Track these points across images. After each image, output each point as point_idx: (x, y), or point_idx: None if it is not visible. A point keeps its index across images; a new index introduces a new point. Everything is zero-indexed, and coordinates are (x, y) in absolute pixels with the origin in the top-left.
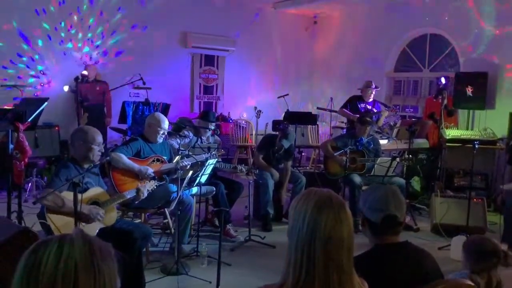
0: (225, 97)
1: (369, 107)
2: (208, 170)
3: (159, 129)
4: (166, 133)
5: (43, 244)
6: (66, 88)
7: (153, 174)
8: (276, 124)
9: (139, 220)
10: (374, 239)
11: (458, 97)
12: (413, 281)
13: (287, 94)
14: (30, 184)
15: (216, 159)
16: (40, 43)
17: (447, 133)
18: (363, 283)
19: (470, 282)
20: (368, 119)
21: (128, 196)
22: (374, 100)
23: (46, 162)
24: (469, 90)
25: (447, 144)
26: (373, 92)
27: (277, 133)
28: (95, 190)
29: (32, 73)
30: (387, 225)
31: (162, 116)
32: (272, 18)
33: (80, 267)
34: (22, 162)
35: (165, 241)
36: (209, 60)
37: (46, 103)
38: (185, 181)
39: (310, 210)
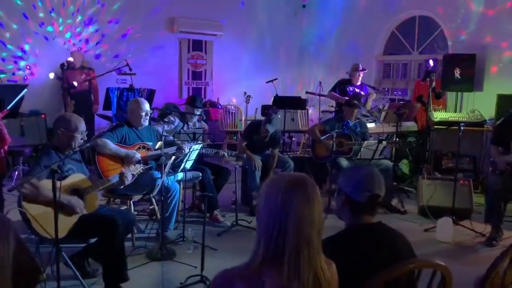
0: (214, 82)
1: (357, 90)
2: (193, 156)
3: (141, 112)
4: (149, 115)
5: None
6: (51, 75)
7: (139, 159)
8: (265, 109)
9: (125, 207)
10: (352, 219)
11: (446, 80)
12: (386, 260)
13: (276, 79)
14: (16, 172)
15: (201, 145)
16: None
17: (435, 116)
18: (331, 263)
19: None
20: (355, 102)
21: (112, 181)
22: (362, 83)
23: (33, 150)
24: (457, 72)
25: (435, 126)
26: (361, 75)
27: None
28: (76, 177)
29: (23, 63)
30: (371, 205)
31: (141, 99)
32: (261, 2)
33: None
34: (2, 150)
35: (152, 227)
36: (197, 45)
37: (25, 90)
38: (167, 167)
39: (284, 187)
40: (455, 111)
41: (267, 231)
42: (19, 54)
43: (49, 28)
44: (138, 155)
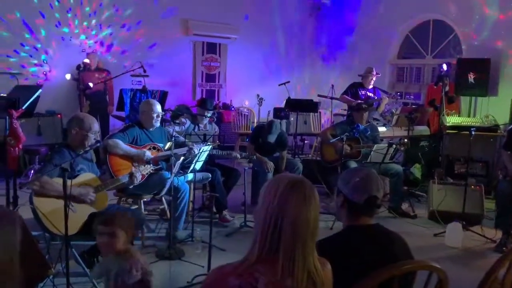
0: (227, 85)
1: (369, 94)
2: (203, 157)
3: (152, 113)
4: (161, 116)
5: None
6: (68, 76)
7: (151, 156)
8: (277, 111)
9: (136, 206)
10: (349, 220)
11: (460, 84)
12: (381, 262)
13: (288, 82)
14: (32, 171)
15: (210, 146)
16: (43, 33)
17: (447, 120)
18: (326, 263)
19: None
20: (363, 105)
21: (121, 181)
22: (374, 87)
23: (49, 150)
24: (471, 77)
25: (447, 131)
26: (374, 78)
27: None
28: (86, 176)
29: (35, 61)
30: (368, 206)
31: (152, 100)
32: (275, 4)
33: None
34: (16, 149)
35: (162, 227)
36: (211, 48)
37: (40, 90)
38: (176, 167)
39: (282, 187)
40: (469, 116)
41: (263, 230)
42: (42, 58)
43: (66, 30)
44: (148, 153)
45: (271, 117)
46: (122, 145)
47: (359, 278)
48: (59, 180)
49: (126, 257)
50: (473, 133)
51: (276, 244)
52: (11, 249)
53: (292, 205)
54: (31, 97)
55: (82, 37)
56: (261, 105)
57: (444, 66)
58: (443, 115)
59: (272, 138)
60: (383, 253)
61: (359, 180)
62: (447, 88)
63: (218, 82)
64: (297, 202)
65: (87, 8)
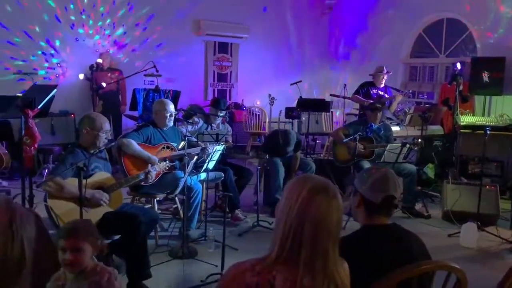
0: (239, 84)
1: (381, 92)
2: (215, 156)
3: (165, 113)
4: (174, 116)
5: None
6: (81, 76)
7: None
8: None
9: (149, 205)
10: (366, 220)
11: (474, 83)
12: (398, 261)
13: (300, 81)
14: (46, 170)
15: (224, 146)
16: (54, 33)
17: (461, 120)
18: (343, 262)
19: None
20: (378, 105)
21: (136, 179)
22: (386, 86)
23: (62, 149)
24: (485, 76)
25: (461, 130)
26: (385, 77)
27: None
28: (101, 175)
29: (45, 65)
30: (386, 206)
31: (166, 100)
32: (287, 4)
33: None
34: (32, 148)
35: (175, 226)
36: (223, 48)
37: (55, 90)
38: (190, 167)
39: (306, 191)
40: (483, 115)
41: (283, 233)
42: (54, 59)
43: (80, 30)
44: (157, 160)
45: (282, 116)
46: (136, 146)
47: (376, 278)
48: (73, 181)
49: (94, 273)
50: (488, 132)
51: (297, 248)
52: (32, 246)
53: (314, 212)
54: (46, 96)
55: (96, 37)
56: (272, 104)
57: (458, 65)
58: (457, 115)
59: (290, 149)
60: (400, 253)
61: (376, 180)
62: (461, 87)
63: (230, 81)
64: (319, 209)
65: (101, 8)
